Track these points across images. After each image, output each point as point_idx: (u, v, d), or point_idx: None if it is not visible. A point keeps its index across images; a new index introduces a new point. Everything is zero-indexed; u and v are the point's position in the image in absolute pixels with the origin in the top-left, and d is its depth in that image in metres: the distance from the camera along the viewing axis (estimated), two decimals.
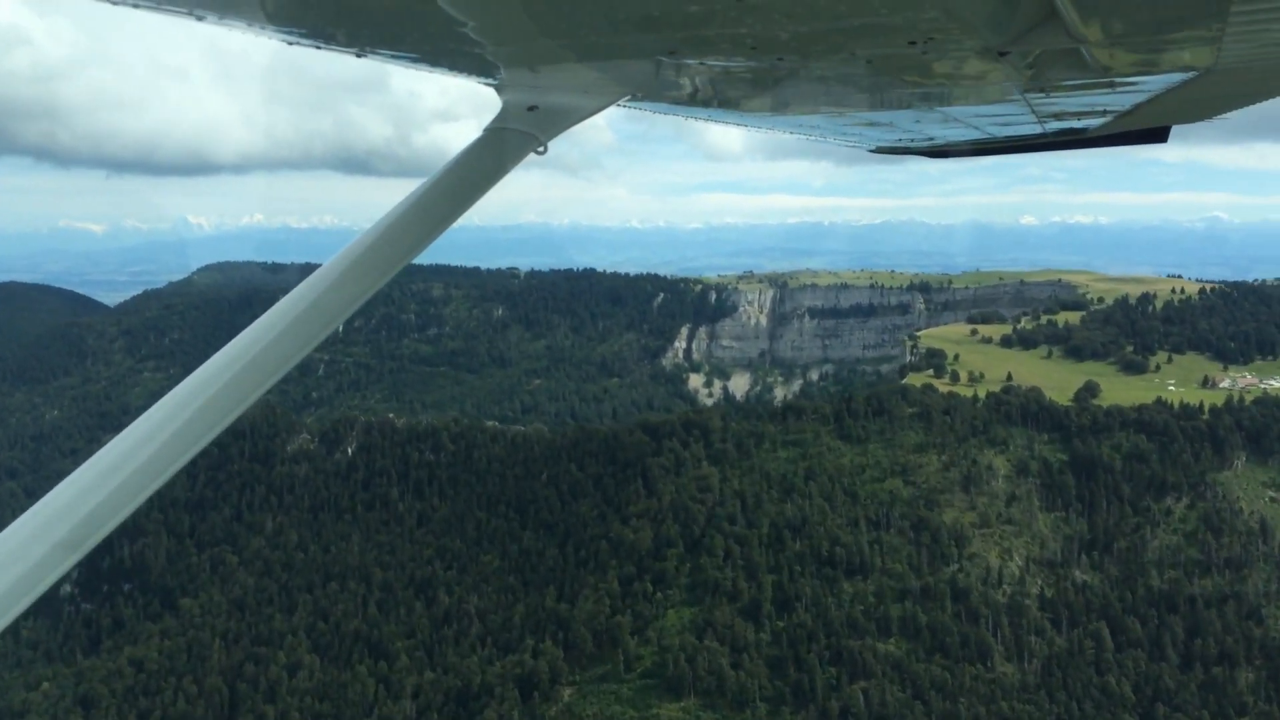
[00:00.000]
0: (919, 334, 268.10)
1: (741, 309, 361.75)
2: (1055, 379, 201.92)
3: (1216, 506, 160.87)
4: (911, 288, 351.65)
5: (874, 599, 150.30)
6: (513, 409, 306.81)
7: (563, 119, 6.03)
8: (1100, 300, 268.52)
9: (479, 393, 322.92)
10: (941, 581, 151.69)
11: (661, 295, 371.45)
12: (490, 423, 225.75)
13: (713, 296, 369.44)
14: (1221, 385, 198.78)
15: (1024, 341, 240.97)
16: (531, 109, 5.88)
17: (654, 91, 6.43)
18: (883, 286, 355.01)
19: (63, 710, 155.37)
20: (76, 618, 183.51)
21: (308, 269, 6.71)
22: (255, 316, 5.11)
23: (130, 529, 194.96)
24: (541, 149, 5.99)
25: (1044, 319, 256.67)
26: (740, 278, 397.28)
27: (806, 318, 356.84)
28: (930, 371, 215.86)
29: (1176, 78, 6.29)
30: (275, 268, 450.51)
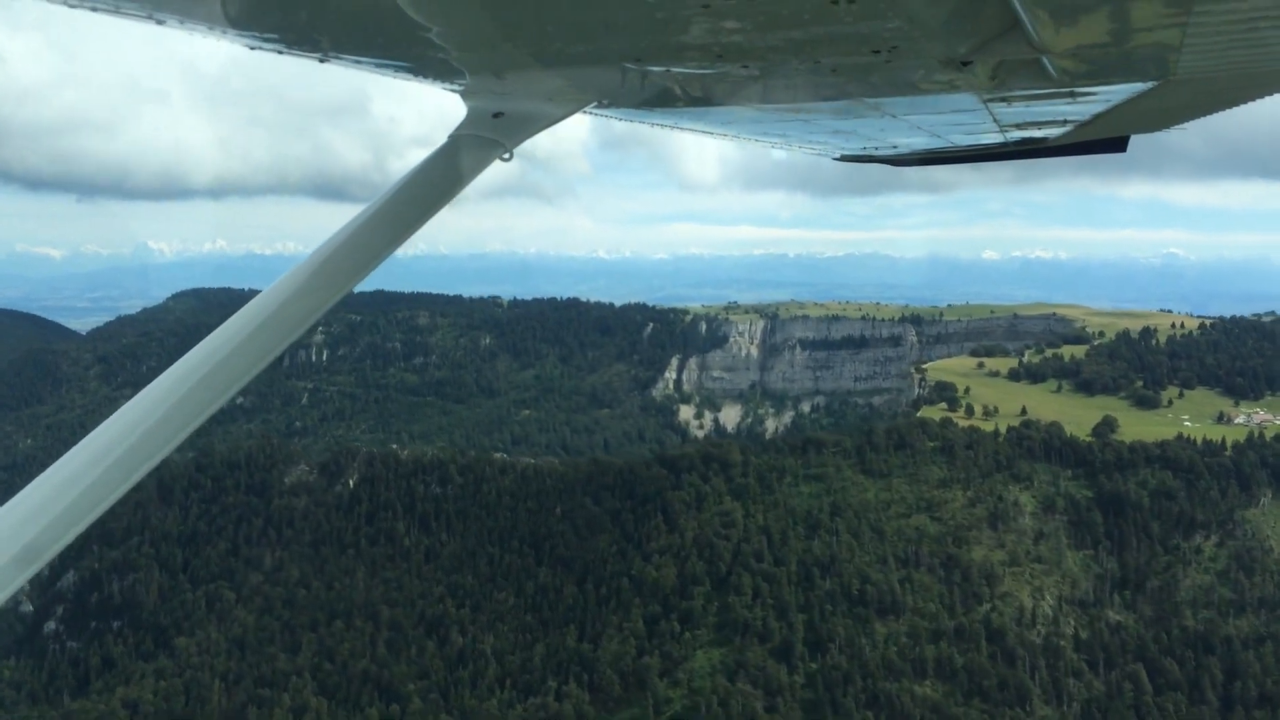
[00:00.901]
0: (925, 366, 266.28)
1: (732, 340, 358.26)
2: (1070, 413, 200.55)
3: (1247, 545, 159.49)
4: (903, 320, 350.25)
5: (908, 639, 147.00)
6: (502, 440, 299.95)
7: (528, 126, 5.91)
8: (1100, 334, 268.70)
9: (467, 423, 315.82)
10: (975, 622, 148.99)
11: (651, 325, 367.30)
12: (499, 455, 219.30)
13: (703, 327, 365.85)
14: (1237, 421, 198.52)
15: (1031, 375, 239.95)
16: (497, 115, 5.77)
17: (620, 98, 6.38)
18: (874, 319, 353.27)
19: None
20: (62, 656, 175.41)
21: None
22: None
23: (120, 565, 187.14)
24: (507, 156, 5.90)
25: (1049, 352, 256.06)
26: (726, 308, 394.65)
27: (798, 349, 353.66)
28: (943, 405, 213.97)
29: (1136, 88, 6.37)
30: (251, 294, 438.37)
